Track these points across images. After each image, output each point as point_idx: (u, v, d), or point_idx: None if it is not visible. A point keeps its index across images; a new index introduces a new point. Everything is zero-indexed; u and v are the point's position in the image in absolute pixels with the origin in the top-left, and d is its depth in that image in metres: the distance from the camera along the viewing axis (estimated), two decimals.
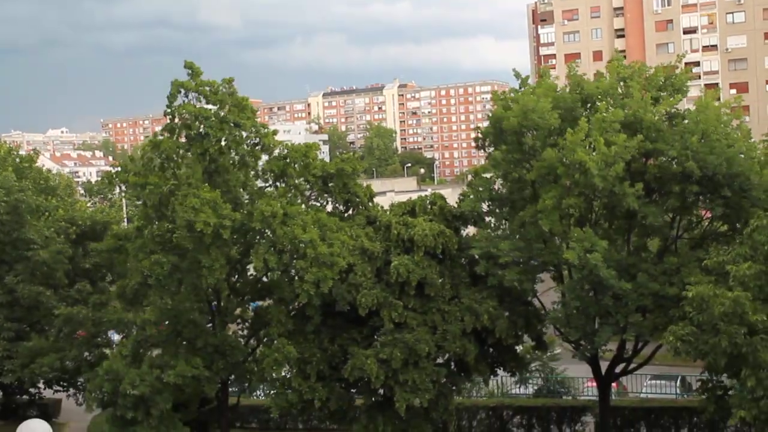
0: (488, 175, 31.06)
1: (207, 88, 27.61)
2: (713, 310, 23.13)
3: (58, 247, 35.83)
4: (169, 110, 27.77)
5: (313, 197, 30.38)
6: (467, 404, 37.96)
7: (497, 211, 30.81)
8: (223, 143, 27.91)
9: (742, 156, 27.79)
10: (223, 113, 27.72)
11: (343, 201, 30.33)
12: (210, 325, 29.53)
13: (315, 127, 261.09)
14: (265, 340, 29.45)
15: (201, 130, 27.32)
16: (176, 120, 27.71)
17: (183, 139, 28.26)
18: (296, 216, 26.74)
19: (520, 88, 31.08)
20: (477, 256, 28.95)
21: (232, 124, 27.71)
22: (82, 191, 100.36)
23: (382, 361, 27.05)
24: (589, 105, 29.58)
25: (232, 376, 30.41)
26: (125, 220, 56.28)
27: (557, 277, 31.34)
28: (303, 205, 28.81)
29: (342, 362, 27.97)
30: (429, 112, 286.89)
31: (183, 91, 27.67)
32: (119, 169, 29.67)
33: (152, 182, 26.95)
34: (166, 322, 28.31)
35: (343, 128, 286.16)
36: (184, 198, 25.71)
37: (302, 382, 27.67)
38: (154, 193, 26.87)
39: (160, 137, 28.34)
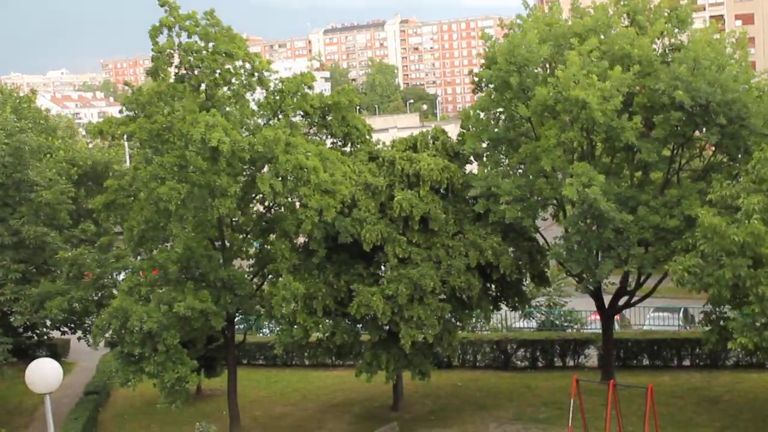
0: (482, 114, 30.88)
1: (188, 22, 26.93)
2: (727, 240, 23.10)
3: (61, 188, 35.77)
4: (155, 54, 27.04)
5: (312, 132, 30.03)
6: (472, 338, 38.33)
7: (495, 149, 30.67)
8: (217, 75, 27.34)
9: (745, 87, 27.41)
10: (212, 45, 27.14)
11: (342, 135, 30.04)
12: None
13: (316, 65, 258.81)
14: (270, 276, 29.56)
15: (191, 62, 26.81)
16: (163, 56, 27.02)
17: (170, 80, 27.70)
18: (299, 146, 26.57)
19: (528, 18, 30.67)
20: (477, 195, 28.86)
21: (223, 54, 27.12)
22: (84, 132, 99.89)
23: (388, 297, 27.14)
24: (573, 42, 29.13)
25: (239, 312, 30.49)
26: (127, 158, 56.04)
27: (555, 214, 31.40)
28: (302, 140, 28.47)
29: (348, 298, 28.08)
30: (431, 48, 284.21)
31: (165, 31, 26.84)
32: (103, 120, 29.05)
33: (140, 126, 26.64)
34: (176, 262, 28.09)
35: (345, 65, 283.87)
36: (194, 119, 25.36)
37: (307, 318, 27.80)
38: (145, 130, 26.60)
39: (139, 84, 27.83)
